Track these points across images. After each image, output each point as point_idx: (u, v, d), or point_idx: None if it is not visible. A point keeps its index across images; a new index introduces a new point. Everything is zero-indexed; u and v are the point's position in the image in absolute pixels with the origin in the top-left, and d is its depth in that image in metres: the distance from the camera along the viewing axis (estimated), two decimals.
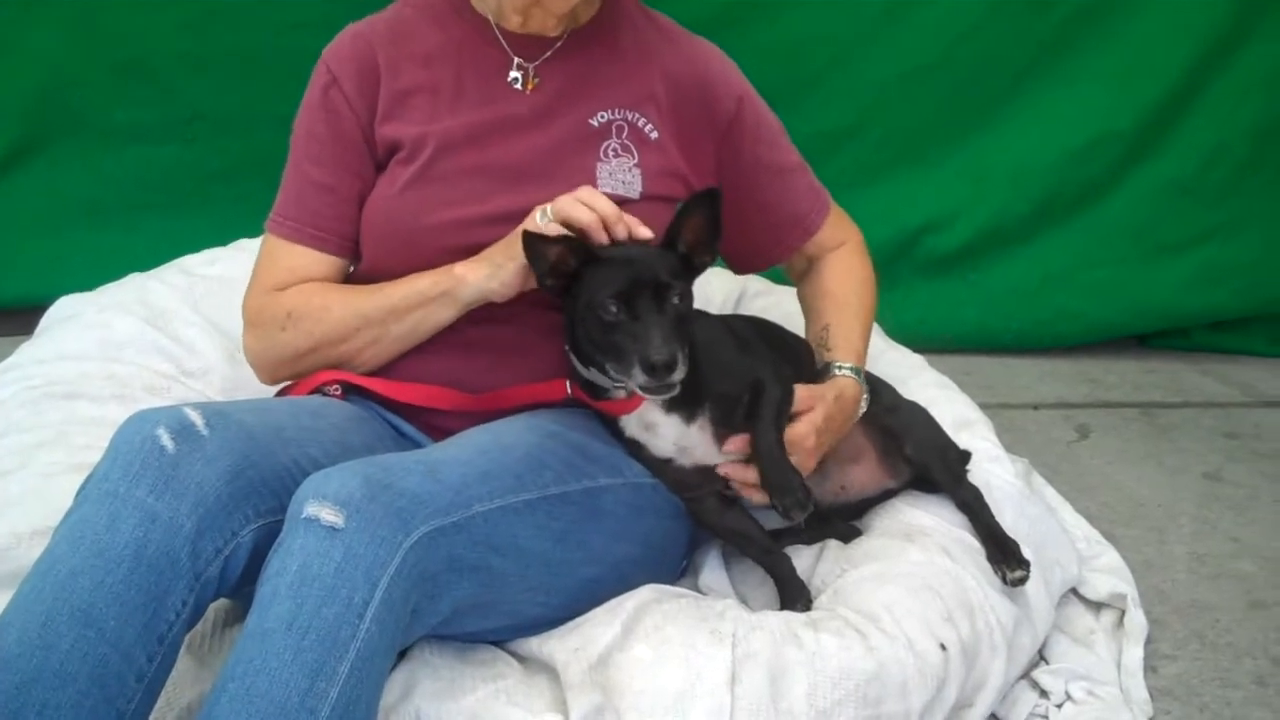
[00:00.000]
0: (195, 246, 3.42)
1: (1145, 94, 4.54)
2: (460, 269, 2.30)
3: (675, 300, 2.14)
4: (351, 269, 2.51)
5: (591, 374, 2.26)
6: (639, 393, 2.16)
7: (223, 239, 3.41)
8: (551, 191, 2.26)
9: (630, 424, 2.31)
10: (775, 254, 2.66)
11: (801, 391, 2.36)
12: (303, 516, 1.87)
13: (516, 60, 2.45)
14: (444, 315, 2.34)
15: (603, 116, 2.43)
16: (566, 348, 2.31)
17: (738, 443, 2.30)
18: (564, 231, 2.17)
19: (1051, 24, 4.47)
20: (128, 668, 1.83)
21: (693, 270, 2.23)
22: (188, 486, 1.93)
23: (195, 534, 1.91)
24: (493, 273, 2.27)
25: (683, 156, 2.48)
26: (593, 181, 2.37)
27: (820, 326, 2.58)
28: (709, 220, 2.22)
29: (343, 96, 2.42)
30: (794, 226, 2.62)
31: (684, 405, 2.28)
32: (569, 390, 2.35)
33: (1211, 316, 4.74)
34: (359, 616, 1.82)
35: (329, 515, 1.86)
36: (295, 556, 1.85)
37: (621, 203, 2.32)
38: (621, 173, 2.41)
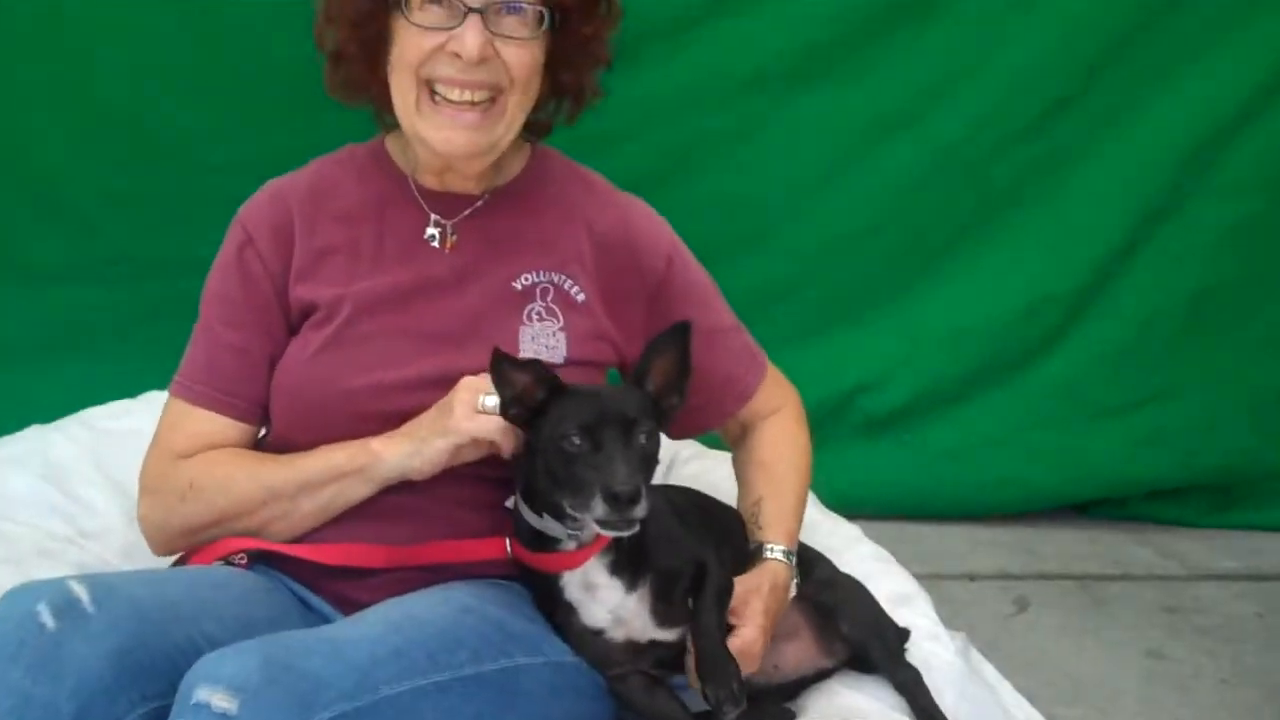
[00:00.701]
0: (106, 394, 3.31)
1: (1081, 258, 4.54)
2: (378, 445, 2.22)
3: (642, 438, 2.06)
4: (262, 434, 2.41)
5: (544, 521, 2.15)
6: (598, 529, 2.05)
7: (137, 385, 3.29)
8: (473, 356, 2.19)
9: (571, 583, 2.20)
10: (710, 420, 2.56)
11: (737, 587, 2.25)
12: (192, 702, 1.74)
13: (434, 217, 2.37)
14: (358, 492, 2.24)
15: (526, 279, 2.35)
16: (515, 498, 2.22)
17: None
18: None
19: (989, 188, 4.47)
20: None
21: (661, 413, 2.16)
22: (68, 668, 1.80)
23: (75, 719, 1.77)
24: (416, 450, 2.19)
25: (610, 319, 2.40)
26: (515, 345, 2.29)
27: (753, 500, 2.48)
28: (679, 359, 2.16)
29: (257, 257, 2.34)
30: (728, 391, 2.53)
31: (628, 570, 2.19)
32: (508, 548, 2.24)
33: (1150, 483, 4.69)
34: None
35: (220, 701, 1.73)
36: None
37: None
38: (545, 337, 2.33)
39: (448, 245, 2.36)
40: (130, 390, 3.31)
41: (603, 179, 2.52)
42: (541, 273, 2.36)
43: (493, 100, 2.27)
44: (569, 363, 2.32)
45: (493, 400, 2.13)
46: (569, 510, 2.08)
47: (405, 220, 2.37)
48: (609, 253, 2.41)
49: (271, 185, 2.43)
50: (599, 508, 1.99)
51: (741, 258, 4.23)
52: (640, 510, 1.99)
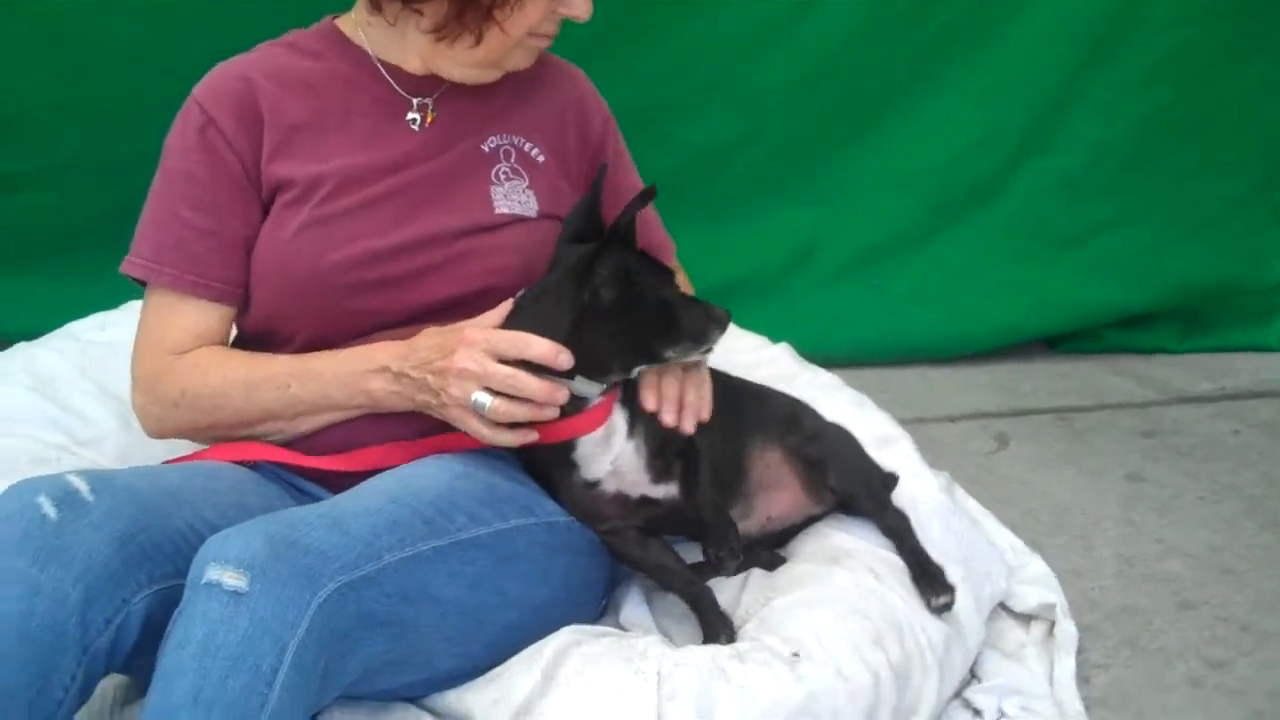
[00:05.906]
0: (77, 289, 3.33)
1: (1027, 94, 4.57)
2: (376, 385, 2.20)
3: None
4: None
5: (575, 383, 2.15)
6: (696, 356, 2.19)
7: (105, 281, 3.26)
8: (449, 216, 2.29)
9: (592, 437, 2.22)
10: None
11: None
12: (203, 582, 1.79)
13: (416, 101, 2.39)
14: (354, 415, 2.27)
15: (493, 141, 2.40)
16: None
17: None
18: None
19: (931, 30, 4.49)
20: None
21: None
22: (74, 554, 1.84)
23: (83, 603, 1.82)
24: (409, 404, 2.19)
25: (563, 177, 2.47)
26: (488, 202, 2.34)
27: None
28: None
29: (221, 136, 2.31)
30: (659, 256, 2.47)
31: (628, 409, 2.25)
32: None
33: (1113, 308, 4.73)
34: (268, 685, 1.74)
35: (231, 579, 1.78)
36: (198, 625, 1.77)
37: (520, 221, 2.33)
38: (516, 194, 2.37)
39: (428, 121, 2.38)
40: (99, 285, 3.23)
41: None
42: (505, 136, 2.41)
43: None
44: (542, 216, 2.37)
45: (484, 399, 2.08)
46: (656, 354, 2.17)
47: (374, 99, 2.37)
48: (562, 117, 2.48)
49: (223, 66, 2.39)
50: (714, 334, 2.16)
51: (692, 115, 4.28)
52: None
